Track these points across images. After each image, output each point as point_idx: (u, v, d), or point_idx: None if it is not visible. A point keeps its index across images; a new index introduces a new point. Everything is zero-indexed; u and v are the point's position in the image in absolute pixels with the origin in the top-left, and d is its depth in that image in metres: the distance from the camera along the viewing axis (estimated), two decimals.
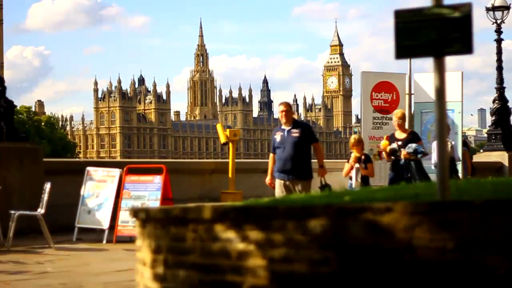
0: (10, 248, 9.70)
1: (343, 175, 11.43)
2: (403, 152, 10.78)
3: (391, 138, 11.11)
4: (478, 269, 3.00)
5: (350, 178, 11.18)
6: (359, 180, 10.96)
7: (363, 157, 11.14)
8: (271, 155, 10.37)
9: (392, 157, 10.97)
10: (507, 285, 2.98)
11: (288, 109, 10.16)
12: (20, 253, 9.41)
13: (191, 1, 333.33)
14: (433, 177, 13.10)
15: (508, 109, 21.70)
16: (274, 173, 10.10)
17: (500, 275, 2.98)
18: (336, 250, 3.18)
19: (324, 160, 11.11)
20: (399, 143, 10.91)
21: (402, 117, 11.25)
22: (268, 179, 10.26)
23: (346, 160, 11.58)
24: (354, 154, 11.11)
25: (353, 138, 11.54)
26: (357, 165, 10.97)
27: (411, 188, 4.82)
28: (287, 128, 10.02)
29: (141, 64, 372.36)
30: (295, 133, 9.93)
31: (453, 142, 16.82)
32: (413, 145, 10.89)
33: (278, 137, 10.08)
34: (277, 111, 10.43)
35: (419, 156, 11.04)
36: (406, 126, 13.91)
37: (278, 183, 9.99)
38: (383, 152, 11.21)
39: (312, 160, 10.31)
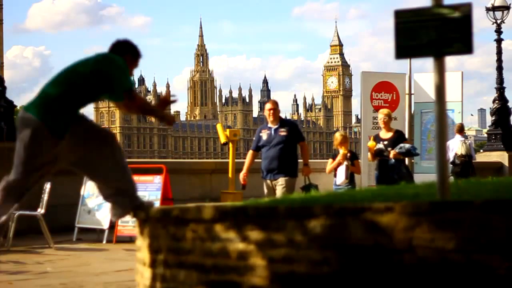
0: (10, 248, 9.69)
1: (326, 172, 11.20)
2: (393, 152, 10.51)
3: (376, 138, 10.84)
4: (478, 269, 2.99)
5: (335, 176, 11.01)
6: (348, 178, 10.84)
7: (348, 154, 11.00)
8: (250, 151, 10.24)
9: (379, 157, 10.68)
10: (507, 285, 2.98)
11: (276, 107, 10.03)
12: (20, 253, 9.40)
13: (191, 1, 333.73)
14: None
15: (508, 109, 21.69)
16: (261, 173, 9.96)
17: (500, 275, 2.98)
18: (336, 250, 3.18)
19: (324, 160, 11.10)
20: (385, 143, 10.64)
21: (389, 115, 11.02)
22: (243, 173, 10.14)
23: (331, 159, 11.32)
24: (343, 151, 10.94)
25: (340, 135, 11.20)
26: (345, 162, 10.83)
27: (411, 188, 4.82)
28: (274, 126, 9.90)
29: (141, 64, 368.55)
30: (283, 132, 9.82)
31: (469, 141, 17.03)
32: (406, 145, 10.61)
33: (264, 135, 9.95)
34: (266, 109, 10.10)
35: (412, 155, 10.87)
36: (406, 126, 13.94)
37: (266, 184, 9.88)
38: (369, 153, 10.93)
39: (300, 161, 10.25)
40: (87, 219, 11.13)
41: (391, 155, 10.52)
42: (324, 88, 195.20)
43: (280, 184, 9.75)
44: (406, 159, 12.92)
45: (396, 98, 14.01)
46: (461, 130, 16.87)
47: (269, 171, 9.83)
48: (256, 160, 10.38)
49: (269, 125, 10.01)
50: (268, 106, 10.08)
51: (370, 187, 11.06)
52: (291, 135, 9.89)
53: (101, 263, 8.66)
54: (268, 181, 9.86)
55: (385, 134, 10.84)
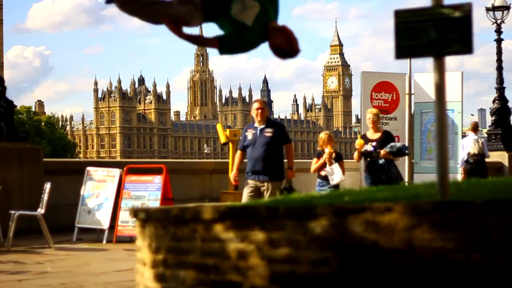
0: (10, 248, 9.70)
1: (311, 171, 10.98)
2: (383, 152, 10.30)
3: (363, 138, 10.67)
4: (478, 269, 2.99)
5: (321, 177, 10.76)
6: (344, 173, 10.66)
7: (334, 154, 10.73)
8: (238, 152, 9.99)
9: (368, 159, 10.48)
10: (507, 285, 2.98)
11: (264, 107, 9.81)
12: (20, 253, 9.40)
13: None
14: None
15: (508, 109, 21.69)
16: (246, 173, 9.75)
17: (500, 275, 2.98)
18: (336, 250, 3.18)
19: None
20: (374, 143, 10.45)
21: (378, 115, 10.84)
22: (233, 173, 9.97)
23: (316, 158, 10.97)
24: (329, 150, 10.61)
25: (325, 134, 10.96)
26: (336, 163, 10.62)
27: (411, 188, 4.82)
28: (260, 126, 9.63)
29: (141, 64, 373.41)
30: (268, 132, 9.56)
31: (483, 140, 17.12)
32: (398, 144, 10.44)
33: (249, 135, 9.69)
34: (253, 108, 9.84)
35: (403, 155, 10.63)
36: (406, 126, 13.94)
37: (248, 184, 9.61)
38: (356, 152, 10.70)
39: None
40: (87, 219, 11.13)
41: (381, 155, 10.32)
42: (324, 88, 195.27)
43: (265, 189, 9.47)
44: (406, 159, 12.88)
45: (396, 98, 14.01)
46: (475, 128, 16.96)
47: (253, 172, 9.57)
48: (245, 160, 10.22)
49: (255, 124, 9.74)
50: (256, 105, 9.81)
51: (370, 187, 11.01)
52: (276, 136, 9.61)
53: (101, 263, 8.66)
54: (252, 181, 9.58)
55: (373, 135, 10.65)
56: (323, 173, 10.79)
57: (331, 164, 10.65)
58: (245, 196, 9.49)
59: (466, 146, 16.33)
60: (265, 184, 9.50)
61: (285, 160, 9.96)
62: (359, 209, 3.17)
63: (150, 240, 3.81)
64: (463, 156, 16.08)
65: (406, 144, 12.60)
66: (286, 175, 9.83)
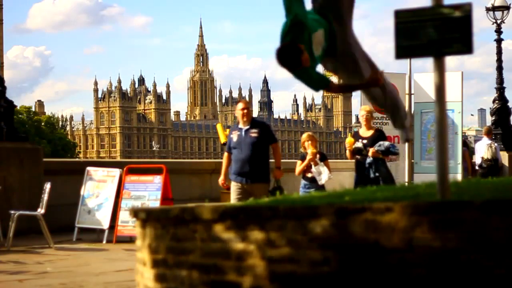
0: (10, 248, 9.70)
1: (296, 174, 10.79)
2: (371, 150, 10.07)
3: (355, 136, 10.46)
4: (478, 269, 2.99)
5: (307, 179, 10.59)
6: (330, 171, 10.51)
7: (318, 155, 10.58)
8: (225, 154, 9.73)
9: (358, 156, 10.23)
10: (507, 285, 2.98)
11: (249, 106, 9.67)
12: (20, 253, 9.41)
13: (191, 1, 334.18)
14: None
15: (508, 109, 21.71)
16: (230, 175, 9.52)
17: (499, 275, 2.98)
18: (336, 250, 3.18)
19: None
20: (364, 141, 10.23)
21: (371, 112, 10.64)
22: (221, 179, 9.76)
23: (300, 160, 10.79)
24: (311, 150, 10.47)
25: (306, 135, 10.80)
26: (321, 163, 10.49)
27: (411, 188, 4.83)
28: (244, 127, 9.37)
29: (141, 64, 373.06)
30: (253, 133, 9.31)
31: (496, 145, 17.19)
32: (386, 143, 10.19)
33: (234, 136, 9.43)
34: (237, 109, 9.62)
35: (391, 156, 10.43)
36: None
37: (235, 186, 9.37)
38: (347, 151, 10.43)
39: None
40: (87, 219, 11.14)
41: (370, 154, 10.11)
42: None
43: (252, 191, 9.13)
44: (406, 159, 12.84)
45: None
46: (489, 132, 17.00)
47: (240, 174, 9.33)
48: None
49: (240, 126, 9.48)
50: (240, 105, 9.57)
51: (369, 187, 10.90)
52: (262, 137, 9.36)
53: (101, 263, 8.66)
54: (238, 184, 9.34)
55: (365, 132, 10.47)
56: (309, 174, 10.59)
57: (316, 164, 10.52)
58: (233, 200, 9.26)
59: (479, 150, 16.37)
60: (254, 186, 9.25)
61: (272, 160, 9.79)
62: (359, 209, 3.17)
63: (150, 240, 3.81)
64: (478, 161, 16.22)
65: (408, 142, 12.51)
66: (274, 175, 9.66)
